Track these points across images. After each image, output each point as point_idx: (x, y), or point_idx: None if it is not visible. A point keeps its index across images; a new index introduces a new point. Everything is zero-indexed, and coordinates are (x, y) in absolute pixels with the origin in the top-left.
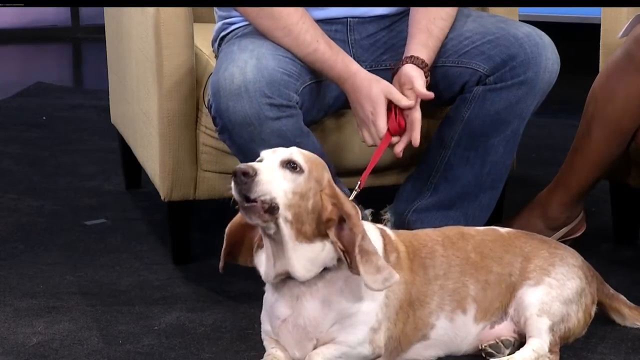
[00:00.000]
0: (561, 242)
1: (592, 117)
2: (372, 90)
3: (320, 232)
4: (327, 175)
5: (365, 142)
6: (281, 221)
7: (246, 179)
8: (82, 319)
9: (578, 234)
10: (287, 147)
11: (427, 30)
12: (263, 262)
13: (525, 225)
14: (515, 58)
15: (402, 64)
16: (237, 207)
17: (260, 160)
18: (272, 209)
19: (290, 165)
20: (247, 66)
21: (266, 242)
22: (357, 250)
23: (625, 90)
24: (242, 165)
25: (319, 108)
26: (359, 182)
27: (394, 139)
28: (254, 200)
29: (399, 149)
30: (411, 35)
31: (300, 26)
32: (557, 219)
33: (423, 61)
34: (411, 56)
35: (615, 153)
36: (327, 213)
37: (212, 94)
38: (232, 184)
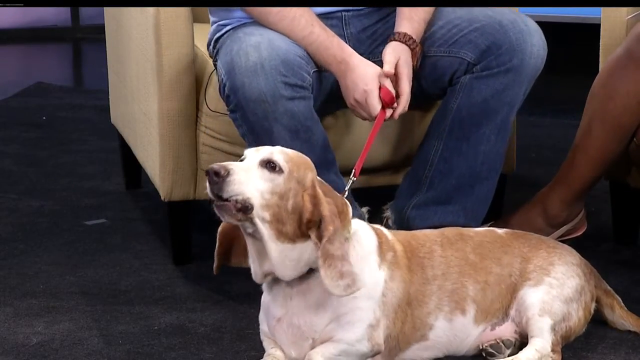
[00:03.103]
0: (561, 241)
1: (592, 114)
2: (367, 70)
3: (302, 233)
4: (310, 175)
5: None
6: (257, 221)
7: (217, 178)
8: (82, 319)
9: (579, 234)
10: (298, 129)
11: (409, 15)
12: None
13: (525, 222)
14: (500, 46)
15: (388, 41)
16: (212, 205)
17: (242, 159)
18: (245, 209)
19: (269, 165)
20: (262, 45)
21: (248, 241)
22: (319, 253)
23: (625, 87)
24: (215, 165)
25: (321, 98)
26: (354, 171)
27: (388, 113)
28: (227, 200)
29: (396, 114)
30: (396, 23)
31: (294, 11)
32: (557, 217)
33: (406, 34)
34: (396, 33)
35: (615, 150)
36: (308, 214)
37: (226, 72)
38: (207, 182)
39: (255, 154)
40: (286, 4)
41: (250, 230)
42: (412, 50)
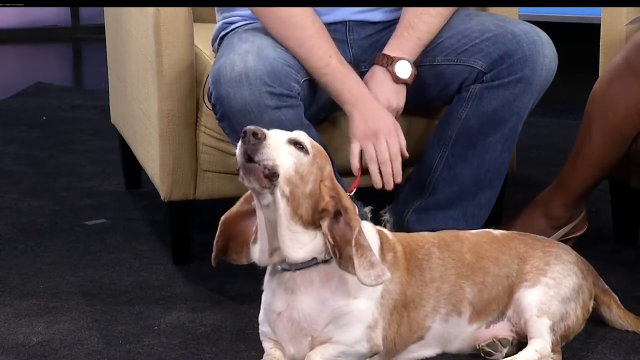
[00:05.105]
0: (562, 241)
1: (592, 122)
2: (380, 121)
3: (314, 221)
4: (328, 167)
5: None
6: (278, 192)
7: (254, 139)
8: (82, 319)
9: (580, 233)
10: None
11: (409, 24)
12: (257, 251)
13: (527, 224)
14: (512, 55)
15: (372, 63)
16: (237, 169)
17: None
18: (272, 175)
19: (297, 144)
20: (248, 55)
21: (260, 215)
22: (353, 243)
23: (625, 97)
24: (253, 127)
25: (316, 106)
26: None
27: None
28: (257, 163)
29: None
30: (394, 34)
31: (314, 41)
32: (559, 219)
33: (389, 57)
34: (381, 55)
35: (616, 156)
36: (324, 203)
37: (213, 82)
38: (239, 143)
39: (281, 133)
40: (292, 4)
41: (267, 202)
42: (388, 70)
